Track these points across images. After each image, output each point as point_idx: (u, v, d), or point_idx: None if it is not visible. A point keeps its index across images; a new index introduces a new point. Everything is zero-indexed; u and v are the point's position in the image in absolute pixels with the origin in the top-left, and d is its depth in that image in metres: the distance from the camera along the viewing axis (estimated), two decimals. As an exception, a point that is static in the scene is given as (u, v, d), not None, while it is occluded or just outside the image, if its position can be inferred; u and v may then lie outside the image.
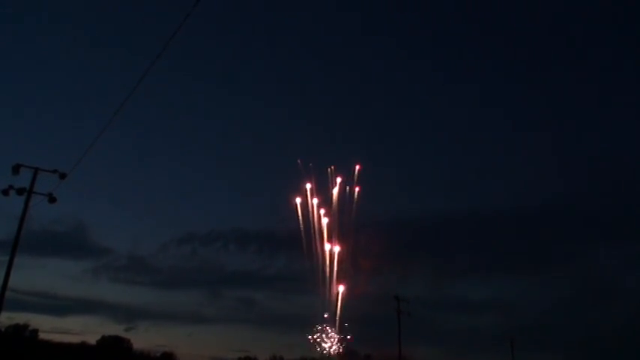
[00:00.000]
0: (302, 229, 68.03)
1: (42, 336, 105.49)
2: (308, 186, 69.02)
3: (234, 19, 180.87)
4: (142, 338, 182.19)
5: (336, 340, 65.07)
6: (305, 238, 67.86)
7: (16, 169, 28.89)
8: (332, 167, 71.23)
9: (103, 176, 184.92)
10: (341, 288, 65.35)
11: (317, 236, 68.05)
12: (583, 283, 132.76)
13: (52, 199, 29.97)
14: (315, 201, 68.93)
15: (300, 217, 68.51)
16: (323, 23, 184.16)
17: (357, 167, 71.82)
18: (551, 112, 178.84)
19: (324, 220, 68.31)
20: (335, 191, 69.77)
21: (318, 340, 65.18)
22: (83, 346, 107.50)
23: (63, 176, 29.45)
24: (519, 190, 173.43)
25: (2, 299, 27.66)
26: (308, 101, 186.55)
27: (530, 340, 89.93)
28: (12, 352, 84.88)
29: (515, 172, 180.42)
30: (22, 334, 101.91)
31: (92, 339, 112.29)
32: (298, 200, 68.95)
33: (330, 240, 66.98)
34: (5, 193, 28.83)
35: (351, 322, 67.12)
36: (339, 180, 70.06)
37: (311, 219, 68.34)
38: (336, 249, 66.18)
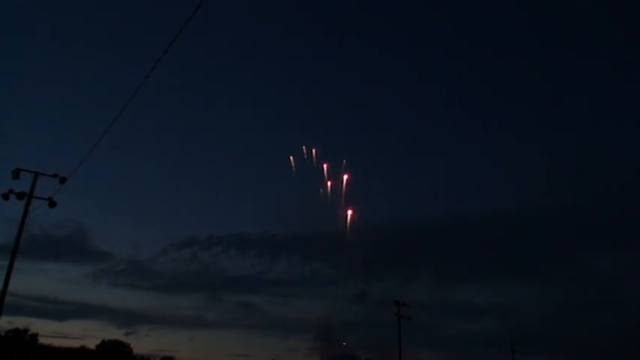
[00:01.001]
0: (296, 177, 74.51)
1: (42, 340, 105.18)
2: (303, 147, 74.65)
3: (231, 27, 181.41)
4: (142, 342, 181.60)
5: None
6: (302, 185, 75.17)
7: (16, 173, 29.04)
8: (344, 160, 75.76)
9: (103, 180, 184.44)
10: (349, 212, 74.20)
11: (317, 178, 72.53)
12: (584, 287, 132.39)
13: (52, 204, 30.12)
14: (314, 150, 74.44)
15: (294, 168, 73.79)
16: (318, 26, 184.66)
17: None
18: (555, 117, 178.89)
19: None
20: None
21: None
22: (83, 350, 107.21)
23: (63, 180, 29.58)
24: (520, 194, 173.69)
25: (2, 303, 27.72)
26: (306, 107, 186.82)
27: (531, 344, 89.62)
28: (12, 357, 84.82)
29: (516, 176, 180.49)
30: (21, 339, 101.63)
31: (92, 343, 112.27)
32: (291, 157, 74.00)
33: (330, 179, 72.79)
34: (5, 197, 28.98)
35: (351, 327, 70.05)
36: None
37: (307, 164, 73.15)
38: (345, 177, 72.12)
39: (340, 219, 73.71)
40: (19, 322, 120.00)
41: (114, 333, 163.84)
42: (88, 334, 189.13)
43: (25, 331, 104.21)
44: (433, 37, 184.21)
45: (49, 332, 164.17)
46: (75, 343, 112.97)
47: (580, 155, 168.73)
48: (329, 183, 74.50)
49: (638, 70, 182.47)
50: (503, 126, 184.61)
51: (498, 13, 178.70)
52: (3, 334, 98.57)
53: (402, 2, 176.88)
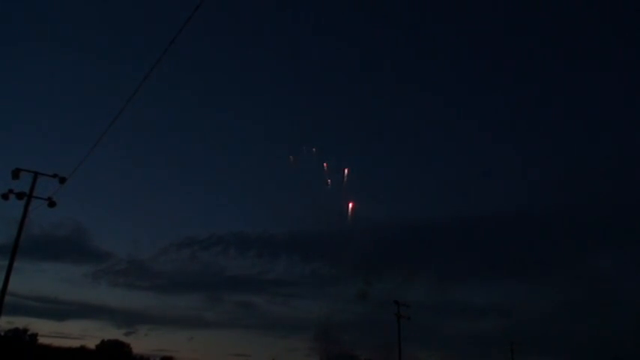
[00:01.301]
0: (296, 177, 77.06)
1: (41, 340, 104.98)
2: (303, 147, 76.31)
3: (230, 27, 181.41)
4: (141, 342, 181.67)
5: None
6: (302, 185, 77.25)
7: (15, 173, 29.01)
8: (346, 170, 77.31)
9: (102, 180, 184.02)
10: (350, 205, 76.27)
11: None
12: (584, 288, 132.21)
13: (51, 204, 30.10)
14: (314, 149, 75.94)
15: (294, 167, 75.78)
16: (318, 26, 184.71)
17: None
18: (554, 117, 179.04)
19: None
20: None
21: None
22: (83, 350, 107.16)
23: (63, 180, 29.56)
24: (520, 193, 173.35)
25: (2, 303, 27.70)
26: (306, 107, 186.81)
27: (531, 344, 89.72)
28: (11, 357, 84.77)
29: (517, 175, 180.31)
30: (21, 339, 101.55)
31: (92, 343, 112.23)
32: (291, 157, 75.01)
33: (330, 178, 73.92)
34: (5, 197, 28.95)
35: (351, 327, 70.22)
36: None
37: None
38: (345, 170, 73.41)
39: (340, 218, 74.91)
40: (19, 322, 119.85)
41: (113, 333, 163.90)
42: (87, 334, 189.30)
43: (25, 331, 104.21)
44: (432, 37, 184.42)
45: (49, 332, 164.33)
46: (74, 343, 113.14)
47: (580, 155, 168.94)
48: (329, 182, 75.54)
49: (636, 69, 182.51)
50: (503, 126, 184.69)
51: (495, 14, 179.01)
52: (3, 334, 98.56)
53: (399, 6, 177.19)
